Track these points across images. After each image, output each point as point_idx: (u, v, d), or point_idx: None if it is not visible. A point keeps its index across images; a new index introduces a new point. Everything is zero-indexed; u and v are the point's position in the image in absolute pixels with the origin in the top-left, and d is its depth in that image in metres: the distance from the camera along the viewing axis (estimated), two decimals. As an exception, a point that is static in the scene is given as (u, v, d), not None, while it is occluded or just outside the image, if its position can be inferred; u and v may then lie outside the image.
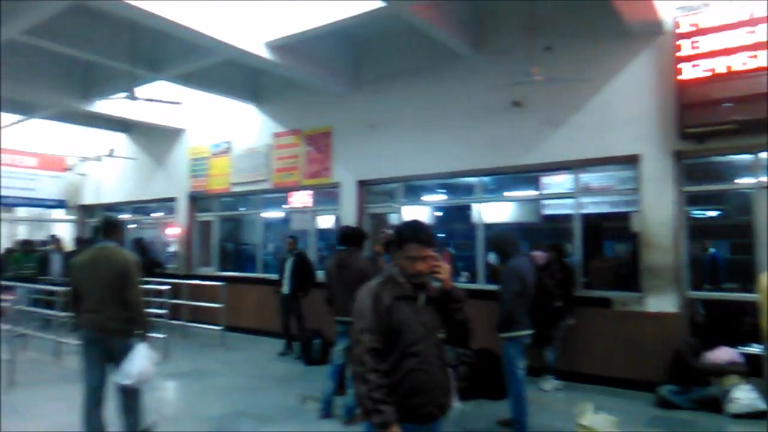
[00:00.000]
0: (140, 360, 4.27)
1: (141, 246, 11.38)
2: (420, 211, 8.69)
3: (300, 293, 8.21)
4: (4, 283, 9.17)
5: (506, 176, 7.88)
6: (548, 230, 7.95)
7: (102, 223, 4.59)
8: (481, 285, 7.59)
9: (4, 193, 13.12)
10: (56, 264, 11.16)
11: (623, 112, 6.58)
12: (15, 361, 6.75)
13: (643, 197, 6.48)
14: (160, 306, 8.58)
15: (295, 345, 8.27)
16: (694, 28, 6.05)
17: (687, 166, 6.44)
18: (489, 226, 7.75)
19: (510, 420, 4.91)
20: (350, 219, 8.71)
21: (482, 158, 7.58)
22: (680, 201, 6.40)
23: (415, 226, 2.62)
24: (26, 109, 11.47)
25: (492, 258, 6.54)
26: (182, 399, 6.43)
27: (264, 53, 7.59)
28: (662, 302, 6.28)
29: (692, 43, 6.03)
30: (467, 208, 8.21)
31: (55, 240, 12.01)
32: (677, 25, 6.14)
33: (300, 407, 5.88)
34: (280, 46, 7.63)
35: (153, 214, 13.26)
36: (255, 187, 10.29)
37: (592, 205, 7.14)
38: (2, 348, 7.12)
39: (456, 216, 8.95)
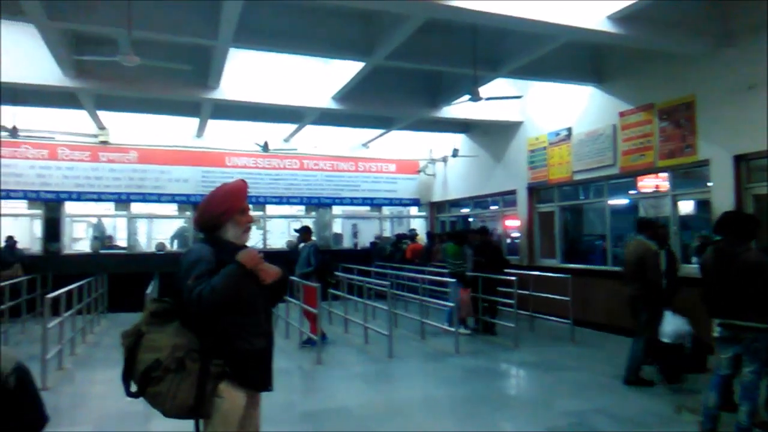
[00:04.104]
0: (670, 324, 5.70)
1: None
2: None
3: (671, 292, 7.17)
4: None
5: None
6: None
7: (639, 221, 6.55)
8: None
9: (373, 195, 15.69)
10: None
11: None
12: (392, 337, 7.81)
13: None
14: (509, 296, 8.74)
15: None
16: None
17: None
18: None
19: None
20: (725, 202, 7.24)
21: None
22: None
23: None
24: (387, 123, 13.40)
25: None
26: (535, 389, 6.40)
27: (608, 28, 7.01)
28: None
29: None
30: None
31: (412, 234, 13.65)
32: None
33: (674, 416, 5.16)
34: (624, 17, 6.93)
35: (491, 207, 13.87)
36: (599, 173, 9.64)
37: None
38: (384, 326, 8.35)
39: None
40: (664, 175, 8.67)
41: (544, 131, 11.02)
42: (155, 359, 2.32)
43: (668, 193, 8.58)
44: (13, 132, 11.50)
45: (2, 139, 12.15)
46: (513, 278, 8.46)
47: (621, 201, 9.88)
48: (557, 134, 10.65)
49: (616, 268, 9.21)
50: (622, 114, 9.16)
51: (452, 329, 8.18)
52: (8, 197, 12.72)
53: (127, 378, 2.41)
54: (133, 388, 2.38)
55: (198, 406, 2.35)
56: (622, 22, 7.00)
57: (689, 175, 8.33)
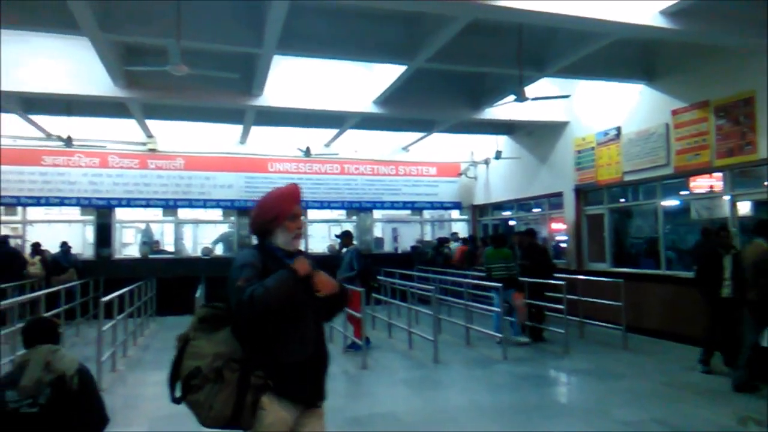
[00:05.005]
0: None
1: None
2: None
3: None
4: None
5: None
6: None
7: (758, 223, 6.33)
8: None
9: (414, 199, 15.60)
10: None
11: None
12: (437, 342, 7.70)
13: None
14: (557, 301, 8.50)
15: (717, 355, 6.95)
16: None
17: None
18: None
19: None
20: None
21: None
22: None
23: None
24: (428, 126, 13.31)
25: None
26: (589, 397, 6.17)
27: (661, 23, 6.76)
28: None
29: None
30: None
31: (456, 237, 13.50)
32: None
33: (738, 428, 4.90)
34: (678, 12, 6.67)
35: (534, 210, 13.60)
36: (652, 173, 9.29)
37: None
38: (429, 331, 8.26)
39: None
40: (718, 174, 8.31)
41: (592, 131, 10.72)
42: (196, 367, 2.29)
43: (725, 193, 8.20)
44: (68, 141, 11.97)
45: (58, 149, 12.68)
46: (562, 282, 8.23)
47: (674, 202, 9.51)
48: (606, 134, 10.34)
49: (670, 272, 8.90)
50: (674, 112, 8.81)
51: (500, 335, 8.02)
52: (62, 204, 13.25)
53: (173, 383, 2.39)
54: (178, 393, 2.37)
55: (236, 418, 2.28)
56: (675, 16, 6.72)
57: (747, 175, 7.97)
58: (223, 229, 15.37)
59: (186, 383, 2.30)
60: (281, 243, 2.57)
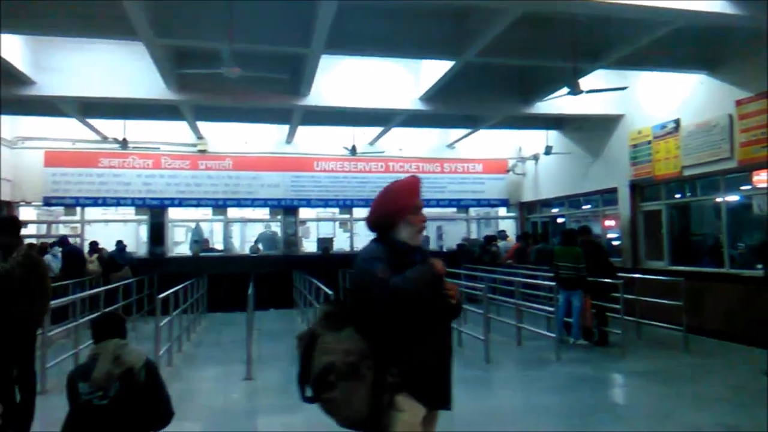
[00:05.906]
0: None
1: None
2: None
3: None
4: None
5: None
6: None
7: None
8: None
9: (459, 196, 15.40)
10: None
11: None
12: (488, 341, 7.54)
13: None
14: (615, 301, 8.19)
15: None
16: None
17: None
18: None
19: None
20: None
21: None
22: None
23: None
24: (474, 122, 13.12)
25: None
26: (650, 401, 5.91)
27: (726, 9, 6.44)
28: None
29: None
30: None
31: (504, 235, 13.25)
32: None
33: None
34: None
35: (584, 207, 13.21)
36: (714, 167, 8.87)
37: None
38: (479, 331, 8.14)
39: None
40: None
41: (648, 124, 10.31)
42: (329, 362, 2.23)
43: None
44: (123, 144, 12.39)
45: (114, 151, 13.16)
46: (620, 282, 7.94)
47: (736, 197, 9.05)
48: (663, 127, 9.90)
49: (735, 271, 8.48)
50: (739, 102, 8.37)
51: (552, 335, 7.82)
52: (118, 204, 13.73)
53: (302, 382, 2.33)
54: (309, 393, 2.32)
55: (373, 417, 2.22)
56: (741, 2, 6.41)
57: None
58: (267, 227, 15.56)
59: (321, 379, 2.23)
60: (405, 237, 2.50)
